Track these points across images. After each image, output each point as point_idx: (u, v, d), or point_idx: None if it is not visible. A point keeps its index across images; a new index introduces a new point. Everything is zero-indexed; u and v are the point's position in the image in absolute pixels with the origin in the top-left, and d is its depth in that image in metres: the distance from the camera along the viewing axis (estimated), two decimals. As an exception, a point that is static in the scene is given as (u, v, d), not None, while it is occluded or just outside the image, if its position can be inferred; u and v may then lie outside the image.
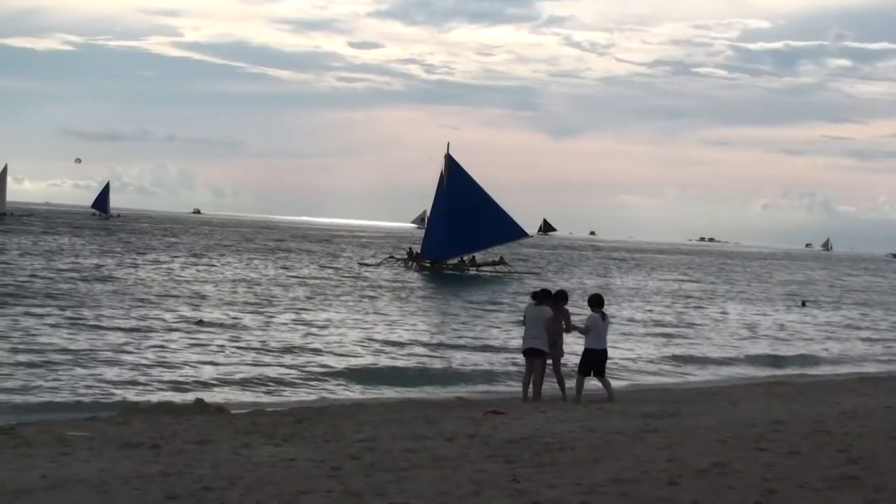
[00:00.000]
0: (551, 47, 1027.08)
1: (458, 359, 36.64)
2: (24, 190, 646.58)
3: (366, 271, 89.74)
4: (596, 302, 25.23)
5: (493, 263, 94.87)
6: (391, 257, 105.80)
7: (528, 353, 25.47)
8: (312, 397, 27.88)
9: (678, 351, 42.74)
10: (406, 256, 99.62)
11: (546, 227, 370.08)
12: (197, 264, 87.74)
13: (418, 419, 21.27)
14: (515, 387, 28.84)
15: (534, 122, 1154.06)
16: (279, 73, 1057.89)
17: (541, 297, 25.71)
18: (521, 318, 26.55)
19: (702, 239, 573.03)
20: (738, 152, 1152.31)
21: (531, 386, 25.43)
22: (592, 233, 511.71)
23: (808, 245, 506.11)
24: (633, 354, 40.14)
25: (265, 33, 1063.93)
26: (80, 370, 29.98)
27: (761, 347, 46.26)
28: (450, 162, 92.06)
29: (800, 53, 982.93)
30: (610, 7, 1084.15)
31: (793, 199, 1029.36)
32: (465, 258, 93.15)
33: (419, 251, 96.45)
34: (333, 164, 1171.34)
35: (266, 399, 27.45)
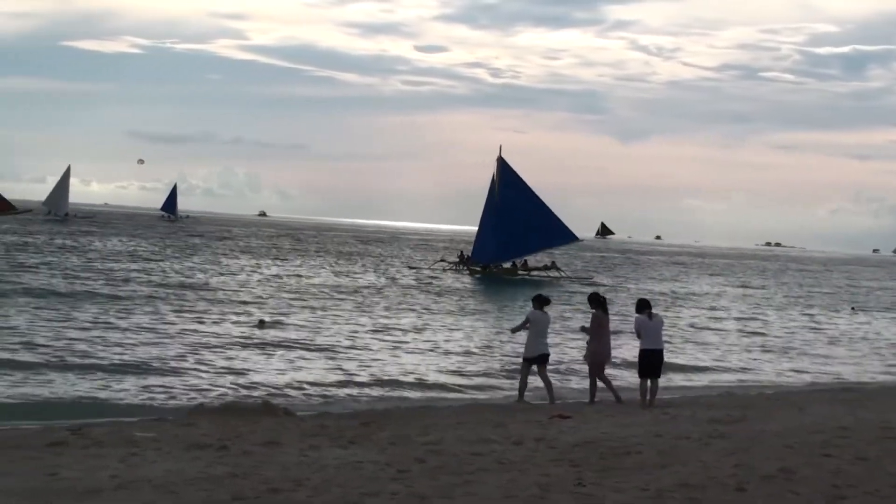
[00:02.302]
0: (617, 51, 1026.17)
1: (516, 363, 36.59)
2: (92, 192, 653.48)
3: (421, 275, 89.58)
4: (642, 305, 25.33)
5: (545, 268, 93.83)
6: (442, 260, 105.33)
7: (540, 358, 25.75)
8: (377, 400, 27.90)
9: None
10: (457, 260, 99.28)
11: (604, 231, 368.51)
12: (262, 266, 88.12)
13: (483, 423, 21.26)
14: (575, 391, 28.99)
15: (599, 126, 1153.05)
16: (345, 77, 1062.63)
17: (543, 302, 25.94)
18: (521, 324, 26.45)
19: (768, 244, 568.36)
20: (805, 157, 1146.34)
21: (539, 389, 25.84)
22: (658, 237, 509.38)
23: (875, 251, 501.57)
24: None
25: (332, 37, 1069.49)
26: (147, 372, 30.20)
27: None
28: (502, 165, 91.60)
29: (868, 58, 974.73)
30: (676, 11, 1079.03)
31: (861, 204, 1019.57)
32: (517, 262, 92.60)
33: (470, 254, 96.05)
34: (398, 167, 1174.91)
35: (331, 402, 27.51)
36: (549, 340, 26.23)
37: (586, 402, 25.98)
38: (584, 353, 27.05)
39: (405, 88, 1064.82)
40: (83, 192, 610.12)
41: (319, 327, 44.18)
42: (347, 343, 39.10)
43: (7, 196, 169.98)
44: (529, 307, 26.41)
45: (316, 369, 32.61)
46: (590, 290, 43.98)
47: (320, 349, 37.07)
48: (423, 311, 55.21)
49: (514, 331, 27.55)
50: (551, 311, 27.21)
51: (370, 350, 37.60)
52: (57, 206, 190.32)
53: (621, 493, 13.66)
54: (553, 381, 27.29)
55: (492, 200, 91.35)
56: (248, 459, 15.86)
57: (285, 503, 12.84)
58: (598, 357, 25.74)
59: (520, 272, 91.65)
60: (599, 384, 25.86)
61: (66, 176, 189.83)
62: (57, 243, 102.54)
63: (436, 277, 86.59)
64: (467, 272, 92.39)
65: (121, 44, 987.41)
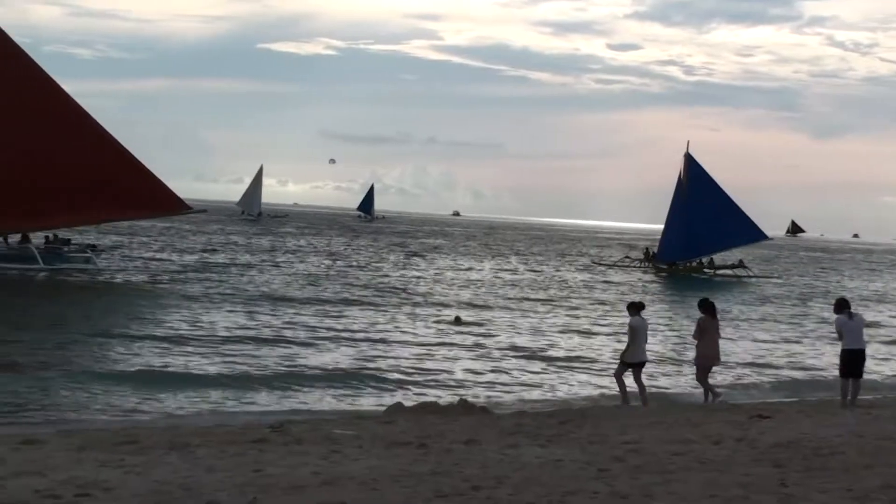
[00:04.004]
0: (813, 47, 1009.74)
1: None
2: (288, 192, 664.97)
3: (607, 273, 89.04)
4: (841, 305, 24.84)
5: (732, 266, 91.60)
6: (627, 258, 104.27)
7: (640, 365, 25.43)
8: (573, 399, 27.88)
9: None
10: (643, 257, 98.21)
11: (794, 229, 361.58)
12: (456, 265, 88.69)
13: (682, 422, 21.09)
14: (770, 391, 28.70)
15: (794, 123, 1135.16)
16: (538, 76, 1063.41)
17: (639, 307, 25.78)
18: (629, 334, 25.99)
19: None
20: None
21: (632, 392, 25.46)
22: (855, 235, 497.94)
23: None
24: None
25: (525, 36, 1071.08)
26: (344, 370, 30.66)
27: None
28: (689, 162, 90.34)
29: None
30: (874, 6, 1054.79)
31: None
32: (703, 260, 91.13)
33: (656, 252, 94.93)
34: (592, 165, 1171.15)
35: (527, 400, 27.58)
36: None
37: (702, 403, 25.80)
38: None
39: (598, 87, 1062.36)
40: (280, 193, 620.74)
41: (513, 325, 44.35)
42: (539, 341, 39.16)
43: (204, 197, 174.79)
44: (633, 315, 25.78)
45: (511, 367, 32.74)
46: (787, 289, 43.32)
47: (514, 347, 37.22)
48: (609, 308, 54.97)
49: (628, 346, 26.66)
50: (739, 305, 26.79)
51: (559, 348, 37.64)
52: (250, 205, 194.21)
53: (825, 494, 13.42)
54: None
55: (678, 197, 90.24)
56: (449, 457, 15.96)
57: (487, 501, 12.87)
58: (705, 360, 25.63)
59: (706, 270, 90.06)
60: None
61: (258, 176, 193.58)
62: (264, 245, 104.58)
63: (622, 275, 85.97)
64: (653, 270, 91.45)
65: (316, 45, 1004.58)
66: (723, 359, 28.00)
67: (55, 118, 57.28)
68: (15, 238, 60.39)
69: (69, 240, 62.44)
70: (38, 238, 61.17)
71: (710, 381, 26.17)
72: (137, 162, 59.30)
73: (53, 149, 56.68)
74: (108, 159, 57.70)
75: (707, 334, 25.47)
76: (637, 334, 25.21)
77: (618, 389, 25.50)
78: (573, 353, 36.58)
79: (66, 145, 56.90)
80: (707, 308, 25.88)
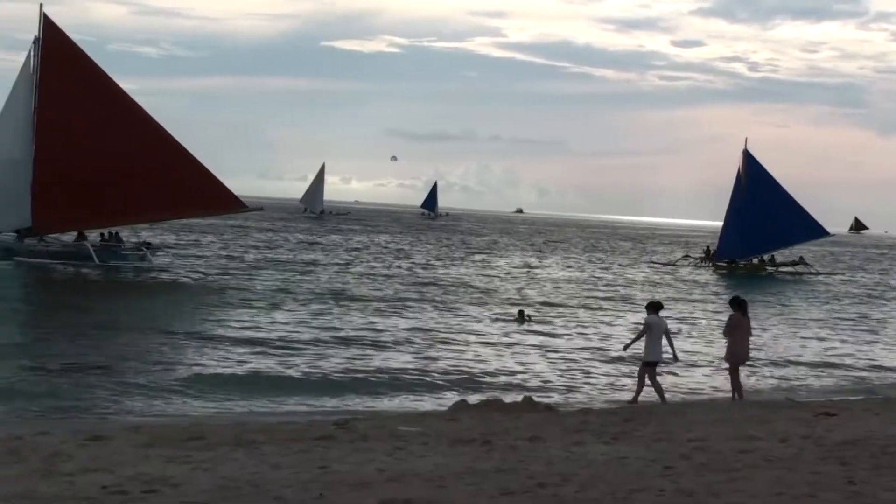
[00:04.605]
0: (879, 43, 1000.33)
1: (779, 360, 36.01)
2: (351, 189, 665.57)
3: (666, 271, 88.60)
4: None
5: (793, 263, 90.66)
6: (687, 256, 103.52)
7: (654, 364, 25.43)
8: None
9: None
10: (703, 255, 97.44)
11: (857, 226, 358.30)
12: (520, 262, 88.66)
13: (747, 419, 20.96)
14: (835, 388, 28.56)
15: (859, 120, 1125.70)
16: (602, 73, 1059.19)
17: (657, 307, 25.76)
18: (641, 332, 25.93)
19: None
20: None
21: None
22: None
23: None
24: None
25: (589, 33, 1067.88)
26: (423, 368, 30.74)
27: None
28: (747, 158, 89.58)
29: None
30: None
31: None
32: (764, 258, 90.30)
33: (716, 250, 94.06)
34: (656, 162, 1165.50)
35: (592, 397, 27.53)
36: None
37: (730, 399, 25.58)
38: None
39: (662, 84, 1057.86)
40: (343, 190, 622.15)
41: (577, 322, 44.33)
42: (603, 338, 39.09)
43: (269, 194, 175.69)
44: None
45: (575, 365, 32.71)
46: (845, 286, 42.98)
47: (578, 344, 37.21)
48: (671, 307, 54.77)
49: (634, 339, 26.67)
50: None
51: (622, 344, 37.58)
52: (312, 203, 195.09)
53: (893, 493, 13.29)
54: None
55: (737, 195, 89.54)
56: (514, 454, 15.96)
57: (553, 498, 12.85)
58: (734, 358, 25.43)
59: (767, 268, 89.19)
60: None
61: (320, 174, 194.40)
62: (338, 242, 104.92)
63: (682, 273, 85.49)
64: (712, 268, 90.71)
65: (380, 43, 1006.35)
66: (789, 357, 27.87)
67: (117, 119, 58.08)
68: (71, 236, 60.98)
69: (119, 237, 62.76)
70: (92, 235, 61.61)
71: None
72: (195, 160, 59.82)
73: (115, 149, 57.37)
74: (166, 158, 58.31)
75: (737, 332, 25.28)
76: (652, 332, 25.11)
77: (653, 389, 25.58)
78: (636, 352, 36.45)
79: (127, 145, 57.65)
80: (739, 305, 25.71)
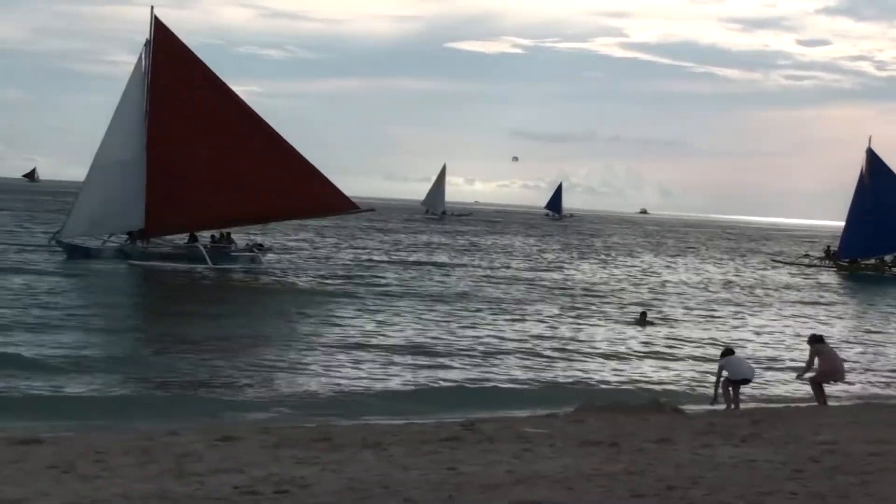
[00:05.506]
0: None
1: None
2: (475, 190, 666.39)
3: (786, 271, 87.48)
4: None
5: None
6: (807, 255, 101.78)
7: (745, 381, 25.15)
8: (761, 399, 27.57)
9: None
10: (823, 255, 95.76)
11: None
12: (643, 263, 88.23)
13: (877, 422, 20.72)
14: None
15: None
16: (726, 72, 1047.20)
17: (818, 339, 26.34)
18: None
19: None
20: None
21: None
22: None
23: None
24: None
25: (713, 33, 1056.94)
26: (529, 368, 30.74)
27: None
28: (871, 158, 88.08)
29: None
30: None
31: None
32: (886, 258, 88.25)
33: (837, 249, 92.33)
34: (781, 163, 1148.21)
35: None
36: None
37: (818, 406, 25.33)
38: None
39: (787, 83, 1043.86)
40: (465, 191, 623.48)
41: (700, 324, 44.06)
42: (728, 339, 38.76)
43: (394, 196, 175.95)
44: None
45: (700, 367, 32.49)
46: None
47: (702, 346, 36.97)
48: (789, 308, 54.18)
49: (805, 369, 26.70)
50: None
51: (748, 347, 37.26)
52: (434, 204, 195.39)
53: None
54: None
55: (859, 194, 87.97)
56: (642, 456, 15.89)
57: (682, 501, 12.80)
58: (823, 376, 25.46)
59: (893, 269, 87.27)
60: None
61: (441, 175, 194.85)
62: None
63: (805, 273, 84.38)
64: (833, 268, 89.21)
65: (502, 44, 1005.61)
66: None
67: (228, 120, 58.68)
68: (182, 238, 61.60)
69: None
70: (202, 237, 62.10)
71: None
72: (306, 162, 60.19)
73: (226, 150, 58.00)
74: (276, 159, 58.79)
75: (822, 356, 25.44)
76: (822, 356, 25.46)
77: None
78: (761, 353, 36.15)
79: (238, 146, 58.17)
80: (816, 339, 26.23)
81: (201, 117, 58.42)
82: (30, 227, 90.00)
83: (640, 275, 75.86)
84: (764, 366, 32.92)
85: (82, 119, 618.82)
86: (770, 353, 36.48)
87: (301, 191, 59.04)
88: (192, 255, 59.13)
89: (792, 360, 34.20)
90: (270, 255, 65.61)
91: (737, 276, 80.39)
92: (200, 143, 58.06)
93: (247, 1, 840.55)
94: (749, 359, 31.63)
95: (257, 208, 59.16)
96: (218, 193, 57.73)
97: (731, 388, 24.62)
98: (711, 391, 25.16)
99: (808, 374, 25.70)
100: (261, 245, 65.75)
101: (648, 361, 33.32)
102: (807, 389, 26.14)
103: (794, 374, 29.23)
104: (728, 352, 25.56)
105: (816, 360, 25.46)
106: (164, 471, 14.43)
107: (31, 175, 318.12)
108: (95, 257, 58.17)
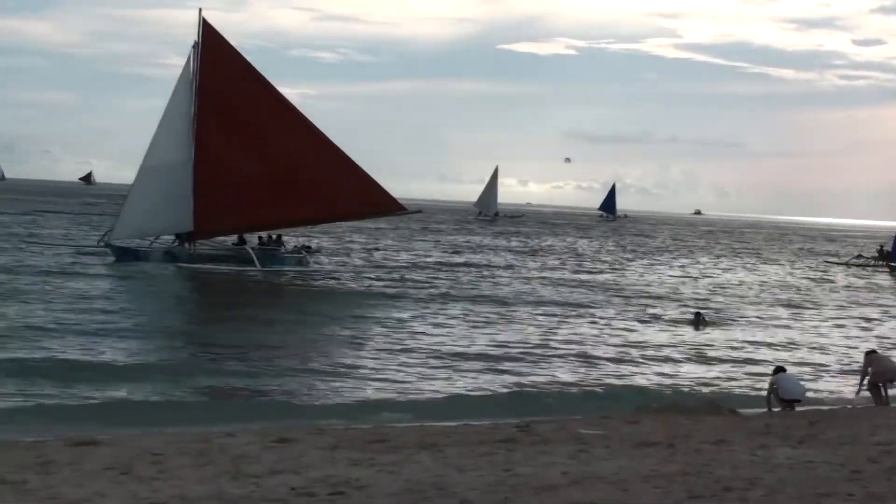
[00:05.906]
0: None
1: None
2: (529, 192, 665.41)
3: (839, 271, 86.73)
4: None
5: None
6: (860, 256, 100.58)
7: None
8: (818, 400, 27.43)
9: None
10: (876, 255, 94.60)
11: None
12: (699, 265, 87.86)
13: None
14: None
15: None
16: (780, 73, 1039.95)
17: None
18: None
19: None
20: None
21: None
22: None
23: None
24: None
25: (768, 33, 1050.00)
26: (588, 369, 30.70)
27: None
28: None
29: None
30: None
31: None
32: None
33: (890, 250, 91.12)
34: (837, 163, 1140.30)
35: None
36: None
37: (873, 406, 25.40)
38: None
39: (842, 83, 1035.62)
40: (519, 193, 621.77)
41: (755, 325, 43.84)
42: (783, 341, 38.59)
43: (447, 197, 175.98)
44: None
45: (756, 368, 32.35)
46: None
47: (758, 347, 36.83)
48: (845, 310, 53.77)
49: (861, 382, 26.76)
50: None
51: (802, 349, 37.09)
52: (486, 206, 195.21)
53: None
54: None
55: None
56: (699, 457, 15.83)
57: (740, 502, 12.75)
58: (877, 377, 25.66)
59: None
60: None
61: (494, 177, 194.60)
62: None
63: (856, 274, 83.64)
64: (886, 269, 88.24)
65: (556, 45, 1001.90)
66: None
67: (275, 122, 58.69)
68: (231, 239, 61.59)
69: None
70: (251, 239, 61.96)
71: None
72: (353, 163, 59.96)
73: (273, 152, 58.09)
74: (323, 161, 58.62)
75: (874, 363, 25.86)
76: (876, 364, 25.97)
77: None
78: (815, 355, 35.97)
79: (285, 148, 58.22)
80: (870, 351, 27.11)
81: (248, 119, 58.48)
82: (85, 229, 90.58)
83: (696, 275, 75.53)
84: (820, 368, 32.80)
85: (136, 122, 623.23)
86: (826, 356, 36.23)
87: (347, 193, 58.88)
88: (241, 258, 59.07)
89: (848, 362, 33.98)
90: (320, 258, 65.44)
91: (792, 276, 79.92)
92: (247, 145, 58.09)
93: (300, 4, 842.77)
94: (804, 363, 31.61)
95: (303, 211, 59.08)
96: (265, 196, 57.69)
97: (783, 406, 24.59)
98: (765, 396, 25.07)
99: (865, 381, 25.75)
100: (309, 247, 65.21)
101: (704, 363, 33.18)
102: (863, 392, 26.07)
103: (850, 377, 29.28)
104: (780, 369, 25.54)
105: (870, 369, 25.67)
106: (221, 472, 14.50)
107: (87, 178, 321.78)
108: (144, 259, 58.21)
